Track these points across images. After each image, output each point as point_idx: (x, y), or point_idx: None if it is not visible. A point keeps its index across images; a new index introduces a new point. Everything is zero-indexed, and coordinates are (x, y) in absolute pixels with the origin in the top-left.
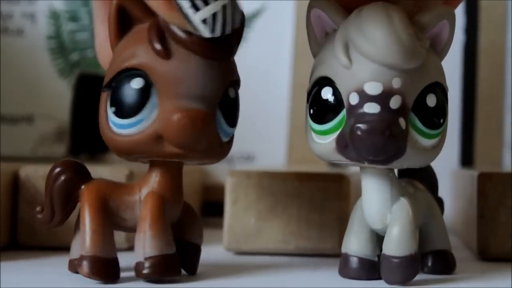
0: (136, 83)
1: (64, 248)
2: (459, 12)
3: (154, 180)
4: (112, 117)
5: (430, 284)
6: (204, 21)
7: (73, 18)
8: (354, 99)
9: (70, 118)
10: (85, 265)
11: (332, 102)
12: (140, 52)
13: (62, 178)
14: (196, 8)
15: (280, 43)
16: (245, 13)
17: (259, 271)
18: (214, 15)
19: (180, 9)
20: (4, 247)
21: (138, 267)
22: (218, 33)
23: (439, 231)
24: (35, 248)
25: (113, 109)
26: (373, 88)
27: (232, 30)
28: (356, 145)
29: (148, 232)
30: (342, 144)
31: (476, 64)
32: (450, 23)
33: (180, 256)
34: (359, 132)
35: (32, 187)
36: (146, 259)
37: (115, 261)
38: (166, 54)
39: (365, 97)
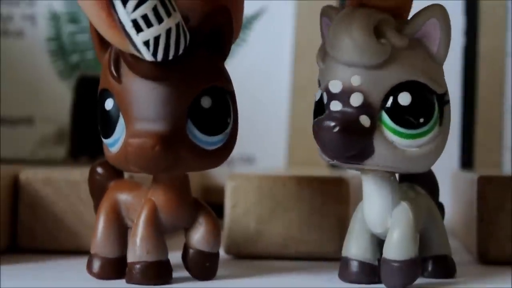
0: (107, 105)
1: (64, 252)
2: (459, 15)
3: (153, 187)
4: (101, 135)
5: None
6: (146, 43)
7: (73, 19)
8: (325, 99)
9: (70, 120)
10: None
11: (319, 103)
12: (108, 74)
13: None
14: (138, 29)
15: (280, 45)
16: (245, 14)
17: (259, 275)
18: (156, 38)
19: (122, 28)
20: (4, 251)
21: (128, 270)
22: (160, 57)
23: (440, 236)
24: (35, 252)
25: (99, 127)
26: (335, 86)
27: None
28: (317, 141)
29: (137, 237)
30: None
31: (476, 66)
32: (440, 20)
33: (185, 262)
34: (317, 128)
35: (32, 190)
36: (133, 263)
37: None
38: (118, 78)
39: (330, 96)
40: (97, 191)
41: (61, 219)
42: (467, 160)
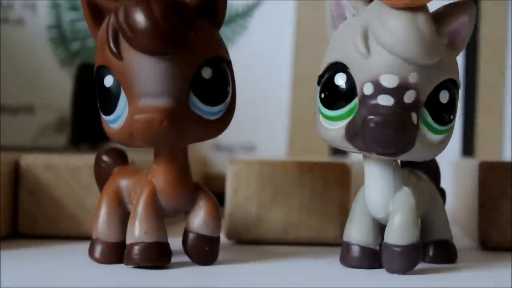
0: (107, 81)
1: (64, 237)
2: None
3: (153, 170)
4: (100, 112)
5: (431, 273)
6: None
7: (74, 7)
8: (368, 90)
9: (71, 108)
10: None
11: (345, 89)
12: (106, 50)
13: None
14: None
15: (281, 33)
16: (246, 2)
17: (260, 260)
18: None
19: None
20: (5, 237)
21: (126, 252)
22: None
23: (441, 221)
24: (35, 237)
25: (98, 104)
26: (389, 81)
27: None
28: (367, 137)
29: (136, 219)
30: (352, 133)
31: (477, 54)
32: (470, 18)
33: (185, 246)
34: (372, 124)
35: (32, 176)
36: (132, 244)
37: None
38: (118, 55)
39: (380, 89)
40: (102, 178)
41: (62, 205)
42: (468, 148)
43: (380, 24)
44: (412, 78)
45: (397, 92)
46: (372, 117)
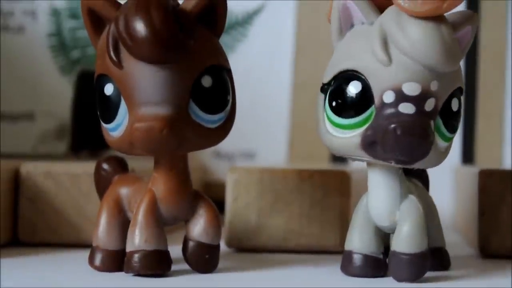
0: (107, 90)
1: (65, 245)
2: (459, 8)
3: (153, 178)
4: (101, 120)
5: (431, 281)
6: None
7: (74, 15)
8: (389, 98)
9: (71, 115)
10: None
11: (360, 97)
12: (106, 59)
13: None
14: None
15: (281, 40)
16: (246, 9)
17: (260, 268)
18: None
19: None
20: (5, 244)
21: (126, 260)
22: None
23: (436, 228)
24: (35, 245)
25: (98, 112)
26: (412, 89)
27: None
28: (389, 145)
29: (136, 227)
30: (369, 141)
31: (476, 60)
32: (473, 27)
33: (185, 255)
34: (398, 132)
35: (32, 184)
36: (132, 252)
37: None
38: (118, 64)
39: (401, 97)
40: (103, 186)
41: (62, 213)
42: (468, 156)
43: (400, 32)
44: (433, 86)
45: (419, 100)
46: (395, 125)
